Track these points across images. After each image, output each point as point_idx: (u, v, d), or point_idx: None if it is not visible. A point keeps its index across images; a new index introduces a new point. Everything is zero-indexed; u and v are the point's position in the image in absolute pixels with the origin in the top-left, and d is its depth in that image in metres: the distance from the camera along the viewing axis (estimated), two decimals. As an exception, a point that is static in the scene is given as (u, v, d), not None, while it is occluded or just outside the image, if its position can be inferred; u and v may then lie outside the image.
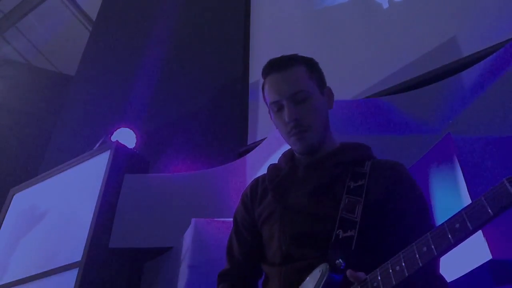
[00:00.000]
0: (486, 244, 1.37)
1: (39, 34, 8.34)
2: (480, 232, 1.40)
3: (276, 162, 1.35)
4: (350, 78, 2.89)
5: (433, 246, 0.80)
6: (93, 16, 6.77)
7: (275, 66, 1.24)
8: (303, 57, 1.28)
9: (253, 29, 3.94)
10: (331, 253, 1.02)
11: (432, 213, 1.17)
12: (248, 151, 2.80)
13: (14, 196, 3.43)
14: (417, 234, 0.90)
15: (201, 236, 2.16)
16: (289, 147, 1.30)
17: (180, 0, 4.72)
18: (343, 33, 3.20)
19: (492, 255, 1.36)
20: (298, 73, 1.21)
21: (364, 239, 1.04)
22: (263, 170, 2.42)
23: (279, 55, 1.30)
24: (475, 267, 1.38)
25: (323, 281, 0.97)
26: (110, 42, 5.20)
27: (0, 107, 5.89)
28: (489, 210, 0.74)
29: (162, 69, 4.15)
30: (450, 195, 1.57)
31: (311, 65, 1.27)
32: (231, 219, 1.40)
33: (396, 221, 1.08)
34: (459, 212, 0.79)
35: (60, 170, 3.22)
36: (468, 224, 0.76)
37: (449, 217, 0.81)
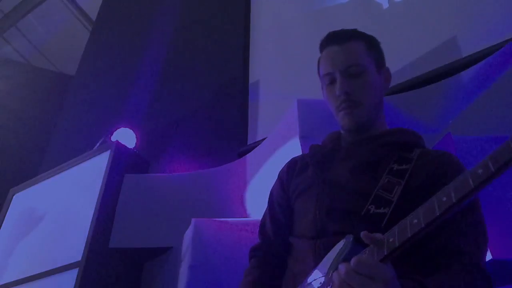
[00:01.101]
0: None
1: (39, 34, 8.34)
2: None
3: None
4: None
5: (452, 194, 0.72)
6: (93, 16, 6.77)
7: (333, 38, 1.21)
8: (363, 34, 1.24)
9: (253, 29, 3.94)
10: (357, 225, 0.98)
11: (480, 208, 1.05)
12: (248, 151, 2.80)
13: (14, 196, 3.43)
14: (455, 226, 0.87)
15: (201, 236, 2.16)
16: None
17: (180, 0, 4.72)
18: (343, 33, 3.20)
19: (492, 255, 1.36)
20: (356, 47, 1.18)
21: (397, 219, 0.96)
22: (263, 170, 2.43)
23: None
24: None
25: (346, 252, 0.92)
26: (110, 42, 5.20)
27: (0, 107, 5.88)
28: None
29: (162, 69, 4.15)
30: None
31: (371, 42, 1.23)
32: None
33: None
34: (483, 159, 0.74)
35: (60, 170, 3.22)
36: (491, 166, 0.71)
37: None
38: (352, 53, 1.17)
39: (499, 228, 1.40)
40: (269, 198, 1.35)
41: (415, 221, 0.77)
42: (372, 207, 1.01)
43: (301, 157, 1.31)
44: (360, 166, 1.12)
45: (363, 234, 0.83)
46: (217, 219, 2.24)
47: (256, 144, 2.78)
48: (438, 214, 0.73)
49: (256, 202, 2.44)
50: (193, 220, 2.22)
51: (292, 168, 1.29)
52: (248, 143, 3.15)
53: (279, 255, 1.24)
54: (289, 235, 1.21)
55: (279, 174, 1.34)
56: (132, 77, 4.26)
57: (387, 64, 1.30)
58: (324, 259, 0.99)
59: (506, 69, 1.95)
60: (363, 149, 1.15)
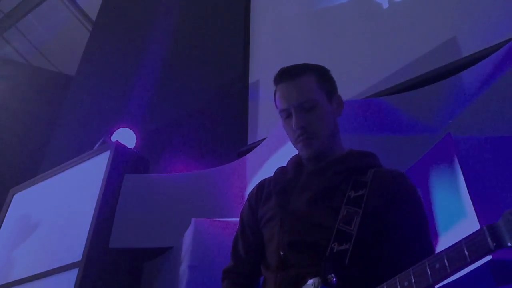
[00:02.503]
0: (486, 244, 1.36)
1: (39, 34, 8.34)
2: (480, 232, 1.40)
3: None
4: (350, 78, 2.89)
5: (413, 281, 0.80)
6: (93, 16, 6.77)
7: (285, 74, 1.28)
8: (313, 66, 1.32)
9: (253, 29, 3.93)
10: (323, 266, 1.02)
11: (429, 228, 1.13)
12: (248, 151, 2.80)
13: (14, 196, 3.43)
14: (411, 249, 0.94)
15: (201, 236, 2.16)
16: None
17: (180, 0, 4.72)
18: (343, 33, 3.20)
19: (492, 255, 1.35)
20: (307, 82, 1.25)
21: (358, 253, 1.04)
22: (263, 170, 2.43)
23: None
24: (475, 267, 1.38)
25: None
26: (110, 42, 5.20)
27: (0, 107, 5.88)
28: (468, 259, 0.76)
29: (162, 69, 4.15)
30: (450, 195, 1.57)
31: (320, 74, 1.30)
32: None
33: (391, 234, 1.07)
34: (440, 252, 0.79)
35: (60, 170, 3.22)
36: (447, 266, 0.76)
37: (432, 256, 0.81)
38: (304, 88, 1.23)
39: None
40: (239, 220, 1.40)
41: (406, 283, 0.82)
42: (335, 244, 1.05)
43: (268, 182, 1.36)
44: (318, 197, 1.18)
45: None
46: (217, 219, 2.24)
47: (256, 144, 2.78)
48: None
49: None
50: (193, 220, 2.22)
51: (260, 193, 1.35)
52: (248, 143, 3.15)
53: (251, 277, 1.30)
54: (261, 263, 1.26)
55: (248, 197, 1.41)
56: (132, 77, 4.26)
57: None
58: None
59: (506, 69, 1.95)
60: (320, 179, 1.21)
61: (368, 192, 1.12)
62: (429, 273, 0.77)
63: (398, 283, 0.83)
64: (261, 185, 1.38)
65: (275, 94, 1.33)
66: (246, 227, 1.35)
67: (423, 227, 1.12)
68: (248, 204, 1.38)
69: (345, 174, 1.19)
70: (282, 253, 1.14)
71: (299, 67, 1.30)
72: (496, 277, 1.34)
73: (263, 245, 1.26)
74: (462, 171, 1.53)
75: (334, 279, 0.99)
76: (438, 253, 0.81)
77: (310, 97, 1.22)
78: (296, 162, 1.33)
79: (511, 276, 1.38)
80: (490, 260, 1.36)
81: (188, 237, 2.23)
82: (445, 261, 0.76)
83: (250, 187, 2.53)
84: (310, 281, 1.01)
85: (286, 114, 1.25)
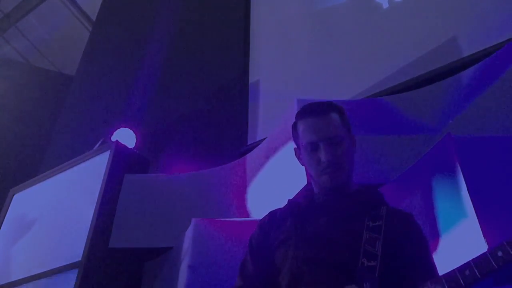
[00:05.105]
0: (486, 244, 1.37)
1: (39, 34, 8.34)
2: (480, 232, 1.40)
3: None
4: (350, 78, 2.89)
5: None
6: (93, 16, 6.77)
7: (314, 110, 1.37)
8: (337, 105, 1.41)
9: (253, 29, 3.94)
10: (359, 276, 1.13)
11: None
12: (248, 151, 2.80)
13: (14, 196, 3.43)
14: (424, 268, 1.17)
15: (201, 236, 2.16)
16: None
17: (180, 0, 4.72)
18: (343, 33, 3.20)
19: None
20: (333, 119, 1.35)
21: (384, 270, 1.15)
22: (263, 170, 2.43)
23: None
24: (475, 267, 1.38)
25: None
26: (110, 42, 5.20)
27: (0, 107, 5.88)
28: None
29: (162, 69, 4.16)
30: (450, 195, 1.57)
31: (342, 113, 1.40)
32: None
33: (408, 260, 1.21)
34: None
35: (60, 170, 3.22)
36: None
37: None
38: (331, 125, 1.34)
39: (499, 228, 1.40)
40: (248, 245, 1.44)
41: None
42: (364, 260, 1.17)
43: (281, 210, 1.43)
44: (336, 220, 1.29)
45: None
46: (217, 219, 2.24)
47: (256, 144, 2.78)
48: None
49: (256, 202, 2.44)
50: (193, 220, 2.22)
51: (273, 218, 1.42)
52: (248, 143, 3.16)
53: None
54: (269, 284, 1.29)
55: (260, 225, 1.45)
56: (132, 77, 4.26)
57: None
58: None
59: (506, 69, 1.95)
60: (337, 205, 1.33)
61: (385, 224, 1.25)
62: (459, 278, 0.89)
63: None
64: (273, 213, 1.44)
65: (295, 128, 1.42)
66: (256, 249, 1.40)
67: (430, 251, 1.31)
68: (259, 229, 1.43)
69: (362, 205, 1.31)
70: (295, 271, 1.20)
71: (326, 104, 1.39)
72: (495, 277, 1.34)
73: (272, 269, 1.30)
74: (462, 171, 1.53)
75: (369, 287, 1.09)
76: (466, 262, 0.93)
77: (338, 133, 1.33)
78: (307, 195, 1.41)
79: (511, 276, 1.38)
80: (490, 260, 1.36)
81: (188, 237, 2.23)
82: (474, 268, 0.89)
83: (250, 187, 2.54)
84: None
85: (313, 147, 1.33)
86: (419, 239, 1.28)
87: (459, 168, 1.54)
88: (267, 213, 1.46)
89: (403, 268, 1.19)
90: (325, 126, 1.33)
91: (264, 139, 2.61)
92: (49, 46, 8.36)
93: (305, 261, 1.21)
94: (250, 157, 2.67)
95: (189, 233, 2.22)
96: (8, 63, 7.08)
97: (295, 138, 1.42)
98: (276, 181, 2.30)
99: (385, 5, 3.08)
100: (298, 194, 1.48)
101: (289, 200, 1.44)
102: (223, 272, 2.06)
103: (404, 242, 1.24)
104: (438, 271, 1.19)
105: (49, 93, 6.17)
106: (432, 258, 1.29)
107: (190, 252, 2.12)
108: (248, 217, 2.40)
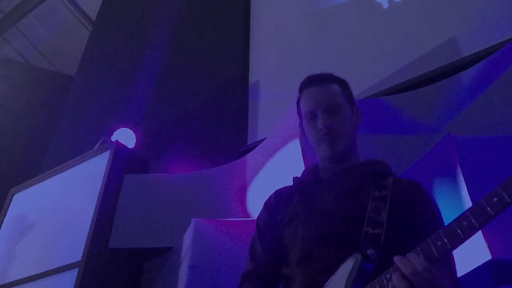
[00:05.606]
0: (486, 244, 1.37)
1: (39, 34, 8.35)
2: (480, 232, 1.40)
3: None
4: (350, 78, 2.88)
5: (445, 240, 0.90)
6: (93, 16, 6.77)
7: (314, 81, 1.40)
8: (338, 78, 1.43)
9: (253, 29, 3.94)
10: (362, 244, 1.11)
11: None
12: (248, 151, 2.80)
13: (14, 196, 3.43)
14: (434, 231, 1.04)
15: (201, 236, 2.16)
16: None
17: (180, 0, 4.72)
18: (343, 33, 3.20)
19: (492, 255, 1.36)
20: (333, 89, 1.37)
21: (390, 237, 1.14)
22: (263, 170, 2.43)
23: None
24: (475, 267, 1.39)
25: (356, 269, 1.05)
26: (110, 42, 5.20)
27: (0, 107, 5.88)
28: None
29: (162, 69, 4.16)
30: (450, 195, 1.57)
31: (344, 85, 1.42)
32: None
33: (417, 230, 1.17)
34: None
35: (60, 170, 3.22)
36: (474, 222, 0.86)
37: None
38: (330, 93, 1.36)
39: (499, 228, 1.40)
40: (256, 227, 1.43)
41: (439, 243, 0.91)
42: (369, 228, 1.16)
43: (286, 189, 1.43)
44: (345, 194, 1.27)
45: (396, 258, 0.96)
46: (217, 219, 2.24)
47: (256, 144, 2.78)
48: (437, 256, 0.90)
49: (256, 202, 2.44)
50: (193, 220, 2.22)
51: (278, 199, 1.40)
52: (248, 143, 3.15)
53: (271, 279, 1.31)
54: (279, 263, 1.28)
55: (265, 204, 1.44)
56: (132, 77, 4.26)
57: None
58: (332, 282, 1.08)
59: (506, 69, 1.95)
60: (344, 179, 1.31)
61: (391, 193, 1.23)
62: (458, 230, 0.87)
63: (431, 244, 0.91)
64: (279, 192, 1.43)
65: (299, 100, 1.44)
66: (264, 229, 1.38)
67: (441, 218, 1.26)
68: (265, 210, 1.41)
69: (368, 176, 1.30)
70: (307, 248, 1.19)
71: (327, 75, 1.41)
72: (495, 277, 1.34)
73: (282, 247, 1.29)
74: (462, 171, 1.53)
75: (373, 253, 1.08)
76: (461, 214, 0.90)
77: (337, 101, 1.34)
78: (312, 170, 1.41)
79: (511, 276, 1.38)
80: (490, 260, 1.36)
81: (188, 237, 2.23)
82: (472, 219, 0.86)
83: (250, 187, 2.54)
84: (350, 258, 1.08)
85: (311, 116, 1.34)
86: (427, 205, 1.26)
87: (459, 168, 1.55)
88: (272, 192, 1.45)
89: (412, 235, 1.16)
90: (324, 94, 1.35)
91: (264, 139, 2.61)
92: (49, 46, 8.36)
93: (315, 238, 1.20)
94: (250, 157, 2.67)
95: (189, 233, 2.22)
96: (8, 63, 7.07)
97: (299, 111, 1.45)
98: (276, 181, 2.29)
99: (385, 5, 3.08)
100: (304, 171, 1.46)
101: (294, 177, 1.43)
102: (223, 272, 2.06)
103: (412, 209, 1.22)
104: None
105: (49, 93, 6.17)
106: (443, 224, 1.24)
107: (190, 252, 2.12)
108: (248, 217, 2.40)
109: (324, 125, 1.30)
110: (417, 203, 1.23)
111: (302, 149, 2.03)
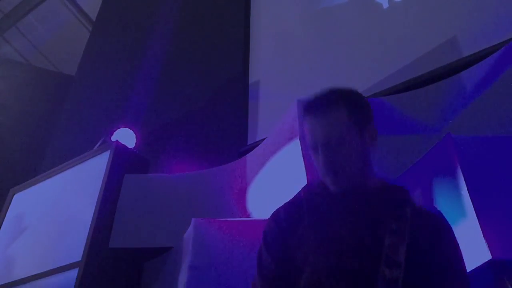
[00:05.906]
0: (486, 244, 1.37)
1: (39, 34, 8.35)
2: (480, 232, 1.40)
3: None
4: (350, 78, 2.89)
5: None
6: (93, 16, 6.77)
7: (315, 108, 1.24)
8: (346, 95, 1.27)
9: (253, 29, 3.94)
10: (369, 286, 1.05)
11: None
12: (248, 151, 2.80)
13: (14, 196, 3.43)
14: (455, 278, 1.08)
15: (201, 236, 2.16)
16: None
17: (180, 0, 4.72)
18: (343, 33, 3.20)
19: (492, 255, 1.36)
20: (336, 119, 1.21)
21: (409, 283, 1.07)
22: (263, 170, 2.43)
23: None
24: (475, 267, 1.39)
25: None
26: (110, 42, 5.21)
27: (0, 107, 5.88)
28: None
29: (162, 69, 4.16)
30: (450, 195, 1.57)
31: (352, 105, 1.25)
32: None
33: (436, 273, 1.12)
34: None
35: (60, 170, 3.22)
36: None
37: None
38: (333, 125, 1.20)
39: (499, 228, 1.40)
40: (264, 243, 1.31)
41: None
42: (386, 270, 1.08)
43: (295, 204, 1.31)
44: (359, 222, 1.18)
45: None
46: (217, 219, 2.23)
47: (256, 144, 2.78)
48: None
49: (256, 202, 2.44)
50: (193, 220, 2.22)
51: (288, 215, 1.29)
52: (248, 143, 3.16)
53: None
54: (288, 279, 1.20)
55: (275, 220, 1.31)
56: (132, 77, 4.26)
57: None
58: None
59: (506, 69, 1.95)
60: (358, 204, 1.21)
61: (410, 226, 1.15)
62: None
63: None
64: (288, 208, 1.32)
65: (303, 123, 1.32)
66: (274, 247, 1.27)
67: (462, 260, 1.18)
68: (275, 225, 1.30)
69: (386, 205, 1.21)
70: (317, 277, 1.13)
71: (331, 99, 1.24)
72: (495, 277, 1.34)
73: (293, 269, 1.21)
74: (462, 171, 1.53)
75: None
76: None
77: (339, 133, 1.19)
78: (324, 187, 1.29)
79: (511, 276, 1.38)
80: (490, 260, 1.36)
81: (188, 237, 2.23)
82: None
83: (250, 187, 2.54)
84: None
85: (313, 147, 1.23)
86: (448, 247, 1.17)
87: (459, 168, 1.55)
88: (280, 207, 1.33)
89: (431, 277, 1.11)
90: (324, 127, 1.21)
91: (264, 139, 2.61)
92: (49, 46, 8.36)
93: (327, 269, 1.13)
94: (250, 157, 2.67)
95: (189, 233, 2.22)
96: (8, 63, 7.08)
97: (305, 134, 1.32)
98: (276, 181, 2.30)
99: (385, 5, 3.08)
100: (314, 185, 1.33)
101: (304, 191, 1.32)
102: (223, 272, 2.05)
103: (431, 249, 1.14)
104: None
105: (49, 93, 6.17)
106: (465, 268, 1.18)
107: (190, 252, 2.12)
108: (248, 217, 2.40)
109: (324, 164, 1.19)
110: (438, 244, 1.15)
111: (302, 149, 2.03)
